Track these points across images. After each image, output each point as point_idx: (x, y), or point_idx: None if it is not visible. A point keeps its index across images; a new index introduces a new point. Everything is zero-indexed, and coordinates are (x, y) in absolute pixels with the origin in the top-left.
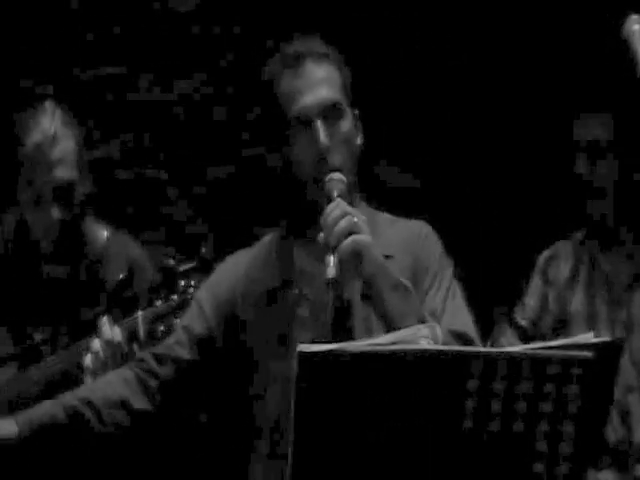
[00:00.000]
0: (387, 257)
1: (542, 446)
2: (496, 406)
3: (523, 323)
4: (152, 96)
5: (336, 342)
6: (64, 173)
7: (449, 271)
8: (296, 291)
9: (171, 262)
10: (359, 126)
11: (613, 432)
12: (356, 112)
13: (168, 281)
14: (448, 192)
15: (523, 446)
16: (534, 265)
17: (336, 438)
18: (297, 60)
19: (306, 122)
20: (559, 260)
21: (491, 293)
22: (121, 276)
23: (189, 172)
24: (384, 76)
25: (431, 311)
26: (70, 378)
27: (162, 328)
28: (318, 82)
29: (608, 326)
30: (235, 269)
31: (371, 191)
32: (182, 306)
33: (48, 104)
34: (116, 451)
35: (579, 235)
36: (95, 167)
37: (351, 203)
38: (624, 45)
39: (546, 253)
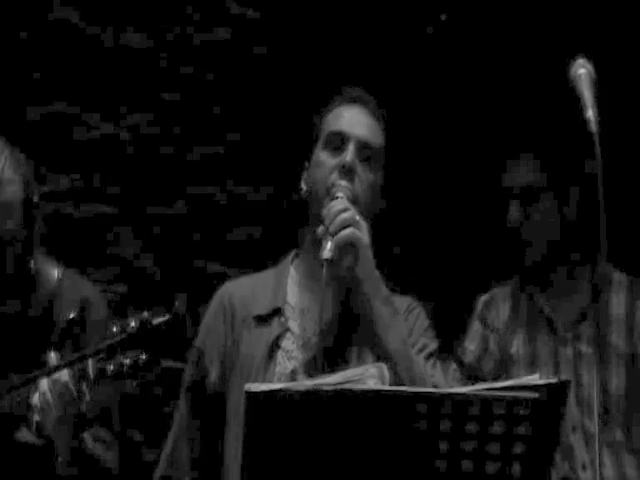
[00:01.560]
0: None
1: None
2: (444, 446)
3: (465, 363)
4: (100, 133)
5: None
6: (5, 224)
7: (434, 344)
8: (282, 321)
9: (145, 314)
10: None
11: (555, 472)
12: (383, 203)
13: (142, 333)
14: (395, 231)
15: None
16: (472, 309)
17: (283, 475)
18: (355, 100)
19: (342, 140)
20: (497, 303)
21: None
22: (72, 315)
23: (138, 209)
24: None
25: None
26: (20, 416)
27: (112, 367)
28: (364, 124)
29: (550, 367)
30: (232, 297)
31: None
32: (132, 345)
33: None
34: None
35: (516, 280)
36: (43, 204)
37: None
38: (570, 88)
39: (484, 297)
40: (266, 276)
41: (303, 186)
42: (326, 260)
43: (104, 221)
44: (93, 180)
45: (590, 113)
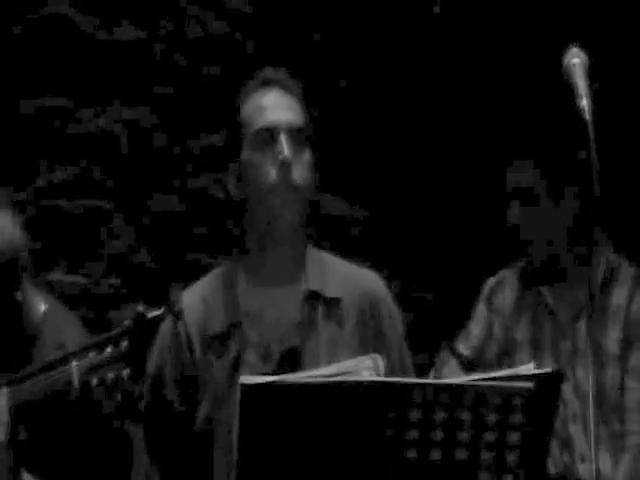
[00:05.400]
0: (334, 299)
1: (485, 476)
2: (438, 436)
3: (467, 352)
4: (96, 127)
5: None
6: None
7: (409, 359)
8: (240, 336)
9: (141, 308)
10: (315, 173)
11: (554, 464)
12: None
13: (137, 327)
14: (394, 221)
15: (466, 476)
16: (478, 293)
17: (280, 470)
18: (266, 84)
19: (271, 135)
20: (505, 288)
21: (436, 322)
22: (51, 358)
23: (133, 202)
24: (327, 104)
25: None
26: None
27: (95, 381)
28: (285, 107)
29: (553, 355)
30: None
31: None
32: (116, 359)
33: None
34: None
35: (522, 264)
36: (40, 196)
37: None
38: (563, 78)
39: (491, 281)
40: (216, 283)
41: (233, 190)
42: None
43: (99, 214)
44: (88, 174)
45: (584, 102)
